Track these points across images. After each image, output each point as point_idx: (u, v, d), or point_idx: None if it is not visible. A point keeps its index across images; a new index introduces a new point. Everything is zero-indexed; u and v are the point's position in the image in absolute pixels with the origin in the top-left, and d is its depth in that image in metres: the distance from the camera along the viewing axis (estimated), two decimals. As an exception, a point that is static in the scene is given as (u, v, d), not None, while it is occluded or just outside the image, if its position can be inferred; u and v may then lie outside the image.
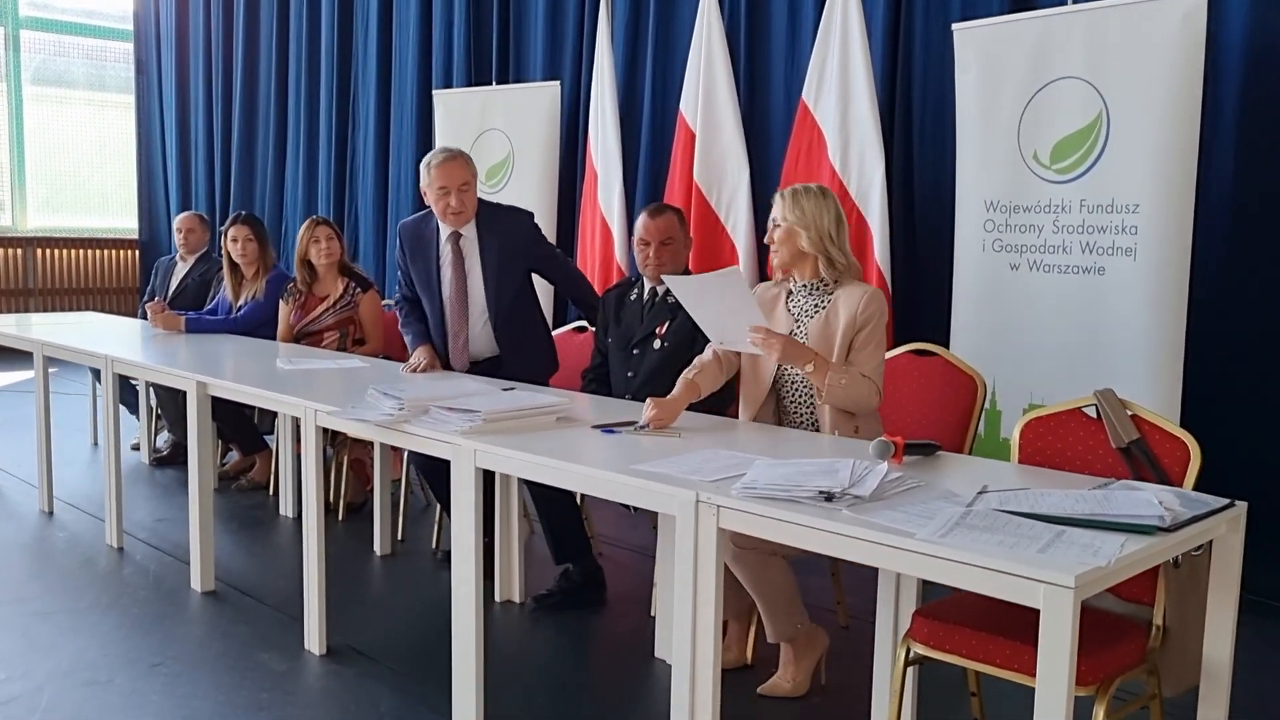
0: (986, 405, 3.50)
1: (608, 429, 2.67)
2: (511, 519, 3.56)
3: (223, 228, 5.02)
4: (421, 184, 3.71)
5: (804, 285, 2.94)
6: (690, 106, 5.00)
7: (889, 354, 3.15)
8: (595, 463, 2.34)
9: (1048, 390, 3.76)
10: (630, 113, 5.65)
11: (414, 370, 3.68)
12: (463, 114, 6.25)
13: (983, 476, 2.22)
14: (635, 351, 3.57)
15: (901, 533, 1.78)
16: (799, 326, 2.90)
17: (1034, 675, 1.68)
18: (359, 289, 4.71)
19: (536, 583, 3.62)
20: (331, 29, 7.90)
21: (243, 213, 5.13)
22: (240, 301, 4.96)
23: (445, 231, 3.74)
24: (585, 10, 6.00)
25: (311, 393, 3.21)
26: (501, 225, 3.79)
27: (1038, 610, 1.63)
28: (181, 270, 5.63)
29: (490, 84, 6.48)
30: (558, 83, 5.91)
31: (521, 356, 3.80)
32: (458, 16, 6.78)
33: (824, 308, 2.89)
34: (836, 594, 3.38)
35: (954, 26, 4.13)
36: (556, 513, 3.53)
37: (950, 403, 3.04)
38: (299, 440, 3.98)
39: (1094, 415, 2.44)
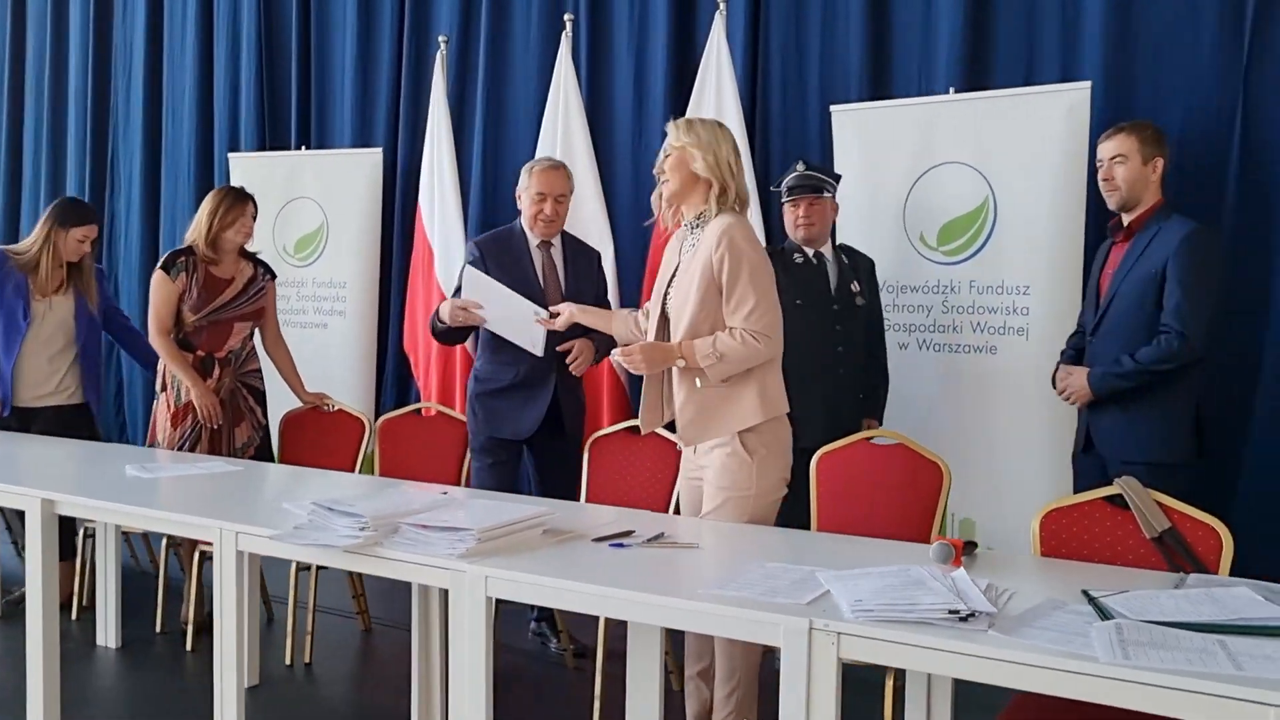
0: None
1: (614, 543, 2.41)
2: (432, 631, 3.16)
3: (56, 225, 4.18)
4: (519, 187, 3.71)
5: (688, 224, 2.77)
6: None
7: (845, 440, 3.09)
8: (655, 589, 2.08)
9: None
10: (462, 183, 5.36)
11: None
12: (266, 180, 5.71)
13: (1046, 577, 2.16)
14: None
15: (1083, 656, 1.66)
16: (679, 277, 2.75)
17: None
18: (267, 274, 4.11)
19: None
20: (84, 75, 7.06)
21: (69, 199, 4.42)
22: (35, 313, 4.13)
23: (535, 240, 3.69)
24: (402, 75, 5.67)
25: (206, 508, 2.74)
26: (582, 250, 3.86)
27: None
28: None
29: (289, 148, 5.98)
30: (379, 150, 5.53)
31: (578, 384, 3.80)
32: (246, 74, 6.22)
33: (695, 247, 2.72)
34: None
35: (832, 108, 4.19)
36: None
37: (914, 491, 3.00)
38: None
39: (1113, 504, 2.45)
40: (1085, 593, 1.99)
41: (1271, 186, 3.69)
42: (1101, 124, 3.58)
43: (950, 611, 1.83)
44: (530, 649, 3.86)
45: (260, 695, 3.44)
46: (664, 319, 2.83)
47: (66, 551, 4.21)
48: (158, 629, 4.01)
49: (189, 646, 3.84)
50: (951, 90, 3.96)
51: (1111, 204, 3.28)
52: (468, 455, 3.89)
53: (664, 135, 4.72)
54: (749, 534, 2.61)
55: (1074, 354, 3.41)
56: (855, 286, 3.69)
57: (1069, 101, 3.66)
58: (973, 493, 3.78)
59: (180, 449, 3.86)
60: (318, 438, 4.12)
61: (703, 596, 1.98)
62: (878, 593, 1.94)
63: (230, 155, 5.95)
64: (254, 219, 4.05)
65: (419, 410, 4.18)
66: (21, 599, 3.93)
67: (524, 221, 3.72)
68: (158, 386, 4.02)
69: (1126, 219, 3.25)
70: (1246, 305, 3.66)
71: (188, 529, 2.72)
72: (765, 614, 1.90)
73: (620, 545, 2.39)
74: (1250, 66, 3.70)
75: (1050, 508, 2.50)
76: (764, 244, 3.43)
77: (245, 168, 5.80)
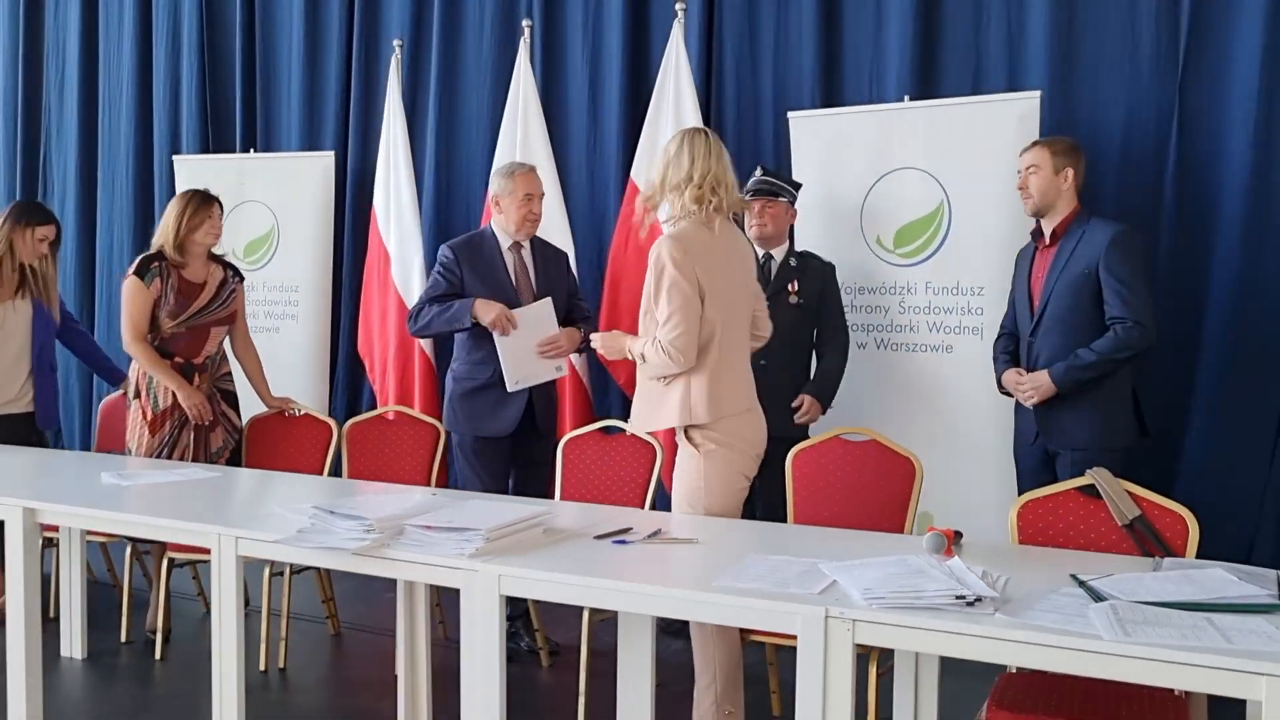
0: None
1: (616, 539, 2.48)
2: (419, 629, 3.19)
3: (15, 224, 4.12)
4: (493, 190, 3.81)
5: None
6: (504, 184, 4.82)
7: (819, 437, 3.21)
8: (667, 582, 2.16)
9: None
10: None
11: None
12: (212, 183, 5.59)
13: (1031, 564, 2.29)
14: None
15: (1086, 635, 1.78)
16: None
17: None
18: (236, 276, 4.11)
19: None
20: (13, 74, 6.87)
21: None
22: None
23: (506, 241, 3.79)
24: (352, 78, 5.66)
25: (196, 514, 2.75)
26: (551, 253, 3.97)
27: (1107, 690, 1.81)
28: None
29: (233, 151, 5.92)
30: (331, 154, 5.51)
31: (552, 383, 3.89)
32: (187, 76, 6.13)
33: None
34: (773, 683, 3.32)
35: (790, 115, 4.30)
36: None
37: (886, 485, 3.12)
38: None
39: (1085, 494, 2.59)
40: (1074, 577, 2.12)
41: (1206, 189, 3.89)
42: (1050, 131, 3.76)
43: (957, 597, 1.94)
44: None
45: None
46: None
47: None
48: (123, 639, 3.96)
49: (158, 655, 3.81)
50: (907, 98, 4.10)
51: (1027, 210, 3.51)
52: (436, 457, 3.94)
53: (619, 139, 4.88)
54: (744, 529, 2.71)
55: (1008, 358, 3.58)
56: (793, 287, 3.85)
57: (1020, 110, 3.82)
58: (929, 487, 3.89)
59: (159, 455, 3.83)
60: (283, 442, 4.12)
61: (718, 589, 2.06)
62: (884, 581, 2.04)
63: (175, 158, 5.87)
64: (221, 220, 4.03)
65: (383, 414, 4.20)
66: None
67: (503, 223, 3.79)
68: (129, 394, 3.98)
69: (1046, 225, 3.45)
70: (1184, 299, 3.87)
71: (184, 535, 2.71)
72: (781, 604, 1.99)
73: (622, 542, 2.46)
74: (1185, 77, 3.90)
75: (1027, 499, 2.64)
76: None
77: (191, 170, 5.72)
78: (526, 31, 4.86)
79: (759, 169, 3.98)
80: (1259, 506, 3.72)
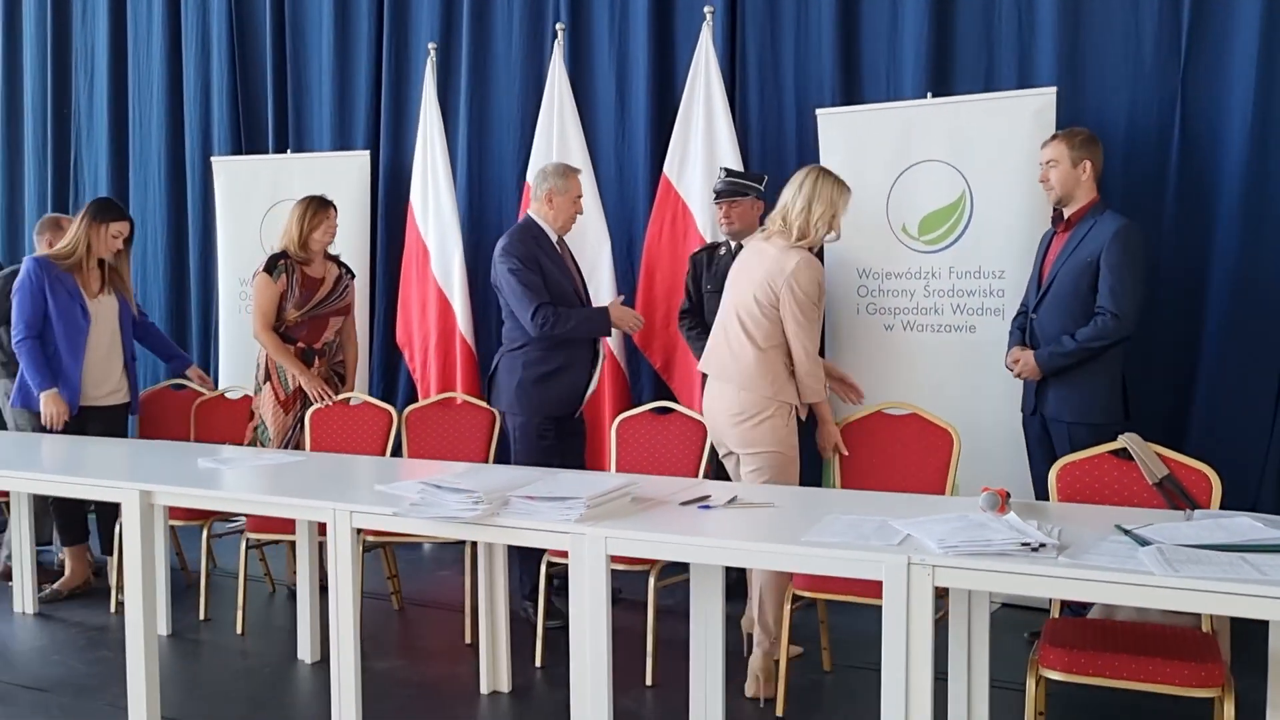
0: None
1: (701, 505, 2.75)
2: (498, 600, 3.45)
3: (91, 221, 4.41)
4: (547, 186, 4.09)
5: None
6: (541, 179, 5.07)
7: (862, 412, 3.49)
8: (761, 538, 2.44)
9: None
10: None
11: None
12: (250, 183, 5.87)
13: (1075, 518, 2.56)
14: None
15: (1141, 572, 2.06)
16: None
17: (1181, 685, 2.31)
18: (349, 274, 4.61)
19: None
20: (42, 79, 7.06)
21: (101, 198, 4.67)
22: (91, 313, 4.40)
23: (553, 236, 4.11)
24: (383, 80, 5.88)
25: (310, 491, 3.00)
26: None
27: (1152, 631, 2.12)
28: None
29: (265, 152, 6.14)
30: (367, 153, 5.74)
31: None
32: (217, 79, 6.35)
33: None
34: (824, 640, 3.60)
35: (818, 112, 4.56)
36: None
37: (929, 455, 3.39)
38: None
39: (1118, 457, 2.87)
40: (1119, 526, 2.40)
41: (1206, 180, 4.18)
42: (1066, 125, 4.04)
43: (1023, 544, 2.21)
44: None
45: (322, 671, 3.69)
46: None
47: (79, 535, 4.43)
48: (201, 616, 4.22)
49: (240, 630, 4.06)
50: (929, 95, 4.37)
51: (1050, 200, 3.80)
52: (493, 439, 4.19)
53: (646, 135, 5.12)
54: (809, 495, 2.98)
55: (1019, 334, 3.89)
56: None
57: (1036, 105, 4.10)
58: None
59: (292, 431, 4.32)
60: (344, 428, 4.36)
61: (809, 543, 2.33)
62: (954, 533, 2.31)
63: (213, 159, 6.08)
64: (336, 221, 4.49)
65: (440, 400, 4.46)
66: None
67: (549, 218, 4.13)
68: (258, 379, 4.44)
69: (1066, 212, 3.73)
70: (1184, 289, 4.17)
71: (301, 511, 2.96)
72: (868, 554, 2.26)
73: (707, 507, 2.73)
74: (1186, 72, 4.18)
75: (1064, 462, 2.92)
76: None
77: (229, 171, 5.94)
78: (560, 34, 5.09)
79: (722, 170, 4.34)
80: (1262, 465, 4.02)
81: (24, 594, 4.36)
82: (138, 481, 3.14)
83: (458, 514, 2.64)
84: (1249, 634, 2.60)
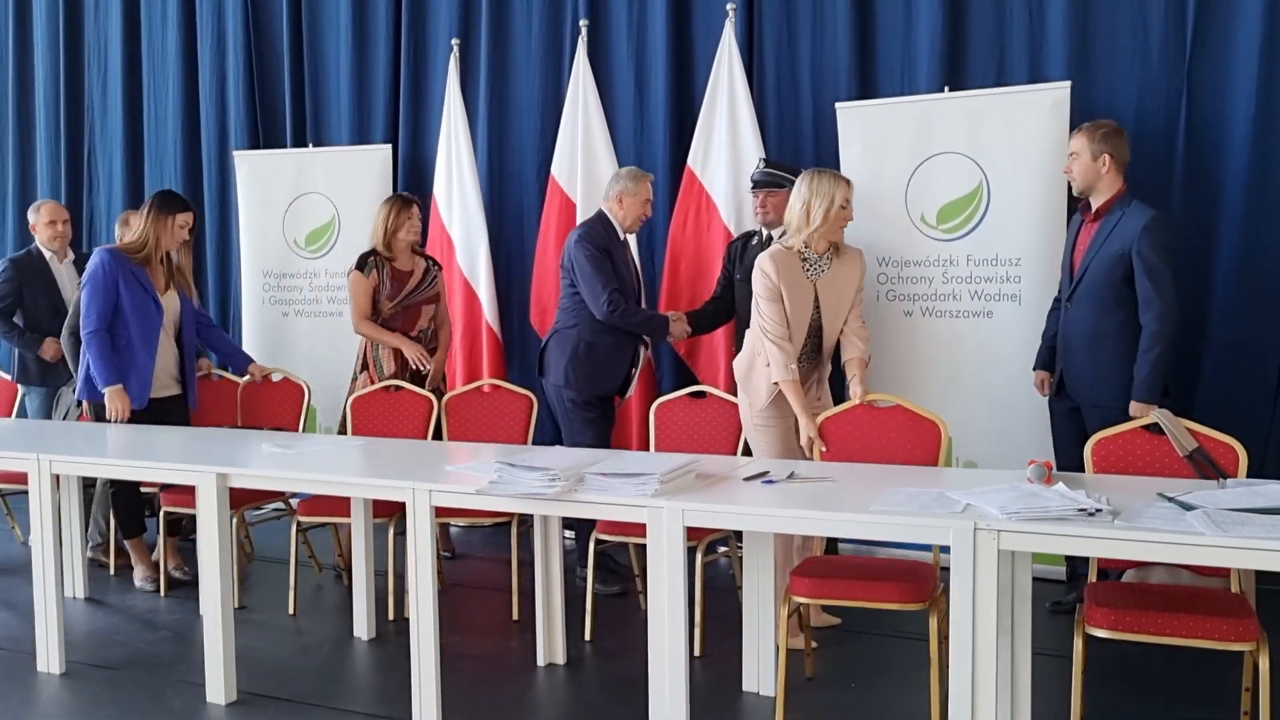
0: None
1: (765, 480, 2.92)
2: (554, 575, 3.61)
3: (158, 213, 4.47)
4: (618, 188, 4.37)
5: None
6: (566, 173, 5.21)
7: (841, 407, 3.60)
8: (831, 508, 2.62)
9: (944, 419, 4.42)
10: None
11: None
12: (272, 177, 5.97)
13: (1115, 488, 2.75)
14: None
15: (1192, 533, 2.25)
16: None
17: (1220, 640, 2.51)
18: (436, 266, 4.92)
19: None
20: (54, 72, 7.11)
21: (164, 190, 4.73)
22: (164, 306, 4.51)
23: (621, 233, 4.40)
24: (402, 75, 5.99)
25: (381, 471, 3.15)
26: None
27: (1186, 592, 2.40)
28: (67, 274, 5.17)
29: (283, 146, 6.24)
30: (388, 146, 5.85)
31: None
32: (233, 73, 6.43)
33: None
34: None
35: (837, 106, 4.74)
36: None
37: (916, 446, 3.45)
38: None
39: (1150, 432, 3.07)
40: (1161, 494, 2.59)
41: (1211, 171, 4.40)
42: (1079, 118, 4.23)
43: (1079, 509, 2.40)
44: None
45: (380, 647, 3.85)
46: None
47: (137, 528, 4.54)
48: (239, 602, 4.35)
49: (291, 610, 4.20)
50: (946, 89, 4.55)
51: (1074, 191, 3.97)
52: (531, 423, 4.35)
53: (665, 130, 5.27)
54: (861, 470, 3.15)
55: (1048, 353, 4.08)
56: None
57: (1051, 99, 4.29)
58: (974, 439, 4.41)
59: None
60: (386, 414, 4.50)
61: (878, 512, 2.51)
62: (1013, 500, 2.50)
63: (235, 153, 6.17)
64: (418, 219, 4.75)
65: (478, 387, 4.61)
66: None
67: (620, 218, 4.40)
68: (357, 369, 4.83)
69: (1094, 203, 3.90)
70: (1193, 278, 4.36)
71: (381, 491, 3.11)
72: (935, 520, 2.45)
73: (770, 482, 2.90)
74: (1191, 66, 4.39)
75: (1098, 438, 3.11)
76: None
77: (251, 165, 6.04)
78: (583, 30, 5.23)
79: (760, 161, 4.51)
80: (1263, 449, 4.23)
81: (75, 579, 4.47)
82: (214, 465, 3.27)
83: (539, 491, 2.80)
84: (1271, 597, 2.81)
